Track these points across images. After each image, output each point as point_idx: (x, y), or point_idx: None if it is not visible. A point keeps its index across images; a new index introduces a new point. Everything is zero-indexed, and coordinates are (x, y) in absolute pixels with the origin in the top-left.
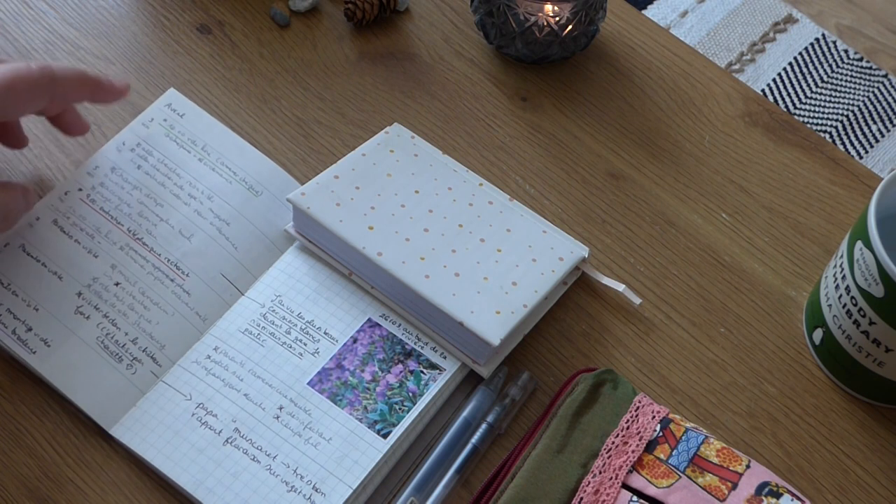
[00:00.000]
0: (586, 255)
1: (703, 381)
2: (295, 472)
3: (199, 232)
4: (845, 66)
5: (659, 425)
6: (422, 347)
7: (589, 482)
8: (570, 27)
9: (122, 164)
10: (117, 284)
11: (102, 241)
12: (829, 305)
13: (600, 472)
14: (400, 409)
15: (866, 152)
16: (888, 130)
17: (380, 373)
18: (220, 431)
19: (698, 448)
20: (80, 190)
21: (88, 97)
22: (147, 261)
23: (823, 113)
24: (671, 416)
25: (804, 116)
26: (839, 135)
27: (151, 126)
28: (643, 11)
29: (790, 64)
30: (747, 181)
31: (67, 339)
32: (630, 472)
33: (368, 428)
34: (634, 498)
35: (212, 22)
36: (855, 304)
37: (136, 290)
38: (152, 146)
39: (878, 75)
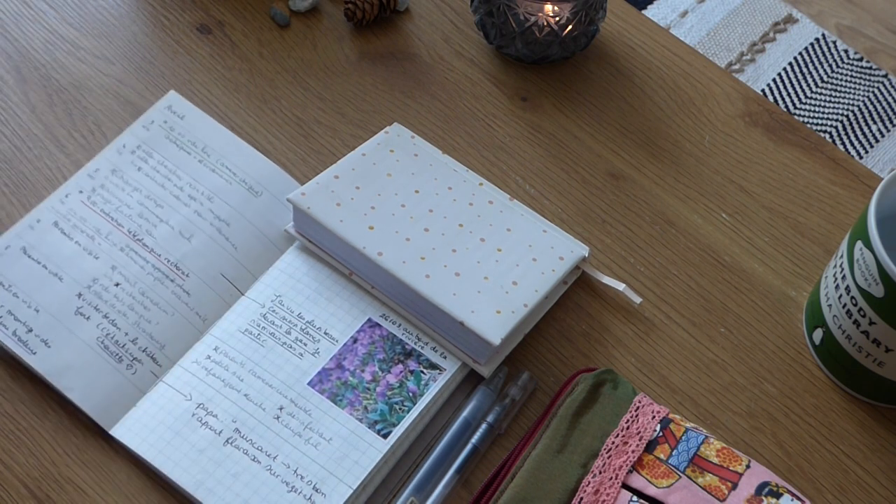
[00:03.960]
0: (586, 255)
1: (703, 381)
2: (295, 472)
3: (199, 232)
4: (845, 66)
5: (659, 425)
6: (422, 347)
7: (589, 482)
8: (570, 27)
9: (123, 167)
10: (117, 285)
11: (103, 243)
12: (829, 305)
13: (600, 472)
14: (400, 409)
15: (866, 152)
16: (888, 130)
17: (380, 373)
18: (221, 432)
19: (698, 448)
20: (81, 192)
21: None
22: (147, 261)
23: (823, 113)
24: (671, 416)
25: (804, 116)
26: (839, 135)
27: (152, 128)
28: (643, 11)
29: (790, 64)
30: (747, 181)
31: (68, 340)
32: (630, 472)
33: (368, 428)
34: (634, 498)
35: (212, 22)
36: (855, 304)
37: (135, 290)
38: (153, 148)
39: (878, 75)
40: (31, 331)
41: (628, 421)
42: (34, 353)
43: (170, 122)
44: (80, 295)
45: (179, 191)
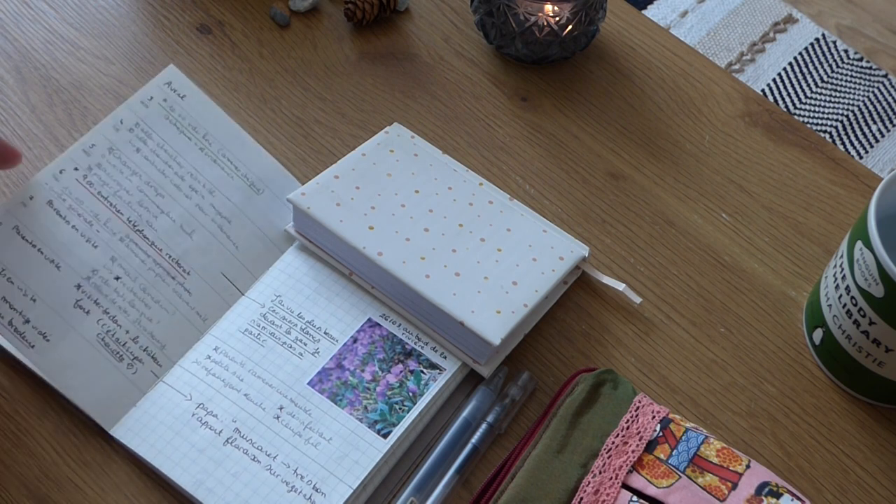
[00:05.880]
0: (586, 255)
1: (703, 381)
2: (295, 472)
3: (201, 228)
4: (845, 66)
5: (659, 425)
6: (422, 347)
7: (589, 482)
8: (570, 27)
9: (120, 145)
10: (117, 279)
11: (101, 230)
12: (829, 305)
13: (600, 472)
14: (400, 408)
15: (866, 152)
16: (888, 130)
17: (380, 373)
18: (221, 431)
19: (698, 448)
20: (77, 169)
21: None
22: (148, 255)
23: (823, 113)
24: (671, 416)
25: (804, 116)
26: (839, 135)
27: (151, 105)
28: (643, 11)
29: (790, 64)
30: (747, 181)
31: (67, 335)
32: (630, 472)
33: (368, 428)
34: (634, 498)
35: (212, 22)
36: (855, 304)
37: (136, 285)
38: (151, 128)
39: (878, 75)
40: (28, 321)
41: (628, 421)
42: (32, 347)
43: (170, 100)
44: (78, 286)
45: (180, 180)
